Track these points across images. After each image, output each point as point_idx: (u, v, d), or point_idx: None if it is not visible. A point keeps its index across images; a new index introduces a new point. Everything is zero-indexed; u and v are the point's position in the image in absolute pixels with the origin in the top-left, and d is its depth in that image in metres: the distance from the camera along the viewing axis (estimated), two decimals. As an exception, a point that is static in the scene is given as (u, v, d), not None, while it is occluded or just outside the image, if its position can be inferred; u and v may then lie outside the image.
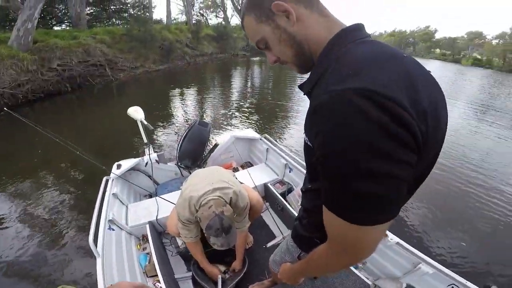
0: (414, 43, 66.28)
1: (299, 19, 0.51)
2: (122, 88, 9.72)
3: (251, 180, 2.20)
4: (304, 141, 0.54)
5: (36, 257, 2.36)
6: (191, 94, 8.60)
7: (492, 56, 42.80)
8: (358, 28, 0.51)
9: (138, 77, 11.11)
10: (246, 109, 6.69)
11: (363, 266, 1.72)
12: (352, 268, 1.58)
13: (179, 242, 1.83)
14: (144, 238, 1.94)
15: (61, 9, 14.75)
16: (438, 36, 63.39)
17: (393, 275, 1.58)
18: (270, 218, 2.13)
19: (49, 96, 7.89)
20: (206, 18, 29.13)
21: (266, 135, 2.79)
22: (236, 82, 10.96)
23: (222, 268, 1.69)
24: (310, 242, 0.69)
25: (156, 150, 2.80)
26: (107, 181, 2.12)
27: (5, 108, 2.47)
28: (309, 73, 0.57)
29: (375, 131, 0.36)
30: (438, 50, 62.70)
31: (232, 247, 1.38)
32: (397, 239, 1.51)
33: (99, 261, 1.40)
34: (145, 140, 2.49)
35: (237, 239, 1.50)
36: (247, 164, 2.93)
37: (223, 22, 27.70)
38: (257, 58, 19.89)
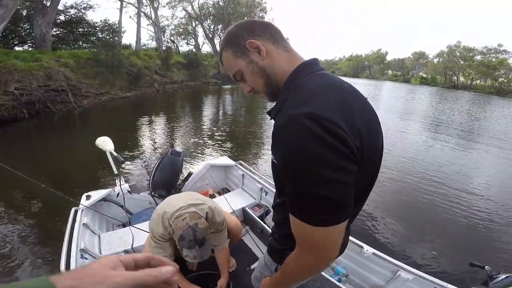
0: (369, 66, 74.01)
1: (268, 54, 0.63)
2: (86, 116, 9.52)
3: (228, 205, 2.27)
4: (271, 159, 0.61)
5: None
6: (161, 123, 8.74)
7: (435, 74, 49.00)
8: (314, 63, 0.64)
9: (103, 104, 10.95)
10: (219, 137, 6.98)
11: (346, 279, 1.81)
12: (336, 282, 1.58)
13: None
14: None
15: (25, 28, 14.22)
16: (389, 58, 71.63)
17: (376, 285, 1.66)
18: (251, 241, 2.18)
19: (3, 123, 7.46)
20: (176, 45, 29.78)
21: (241, 161, 2.93)
22: (208, 110, 11.32)
23: None
24: (283, 253, 0.73)
25: (127, 180, 2.80)
26: (76, 211, 2.10)
27: None
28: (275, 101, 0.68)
29: (319, 145, 0.46)
30: (390, 72, 69.95)
31: (213, 270, 1.48)
32: (372, 250, 1.62)
33: None
34: (115, 171, 2.54)
35: (219, 257, 1.60)
36: (224, 190, 3.00)
37: (194, 50, 28.63)
38: (229, 86, 20.54)
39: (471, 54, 42.99)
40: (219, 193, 2.92)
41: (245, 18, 27.75)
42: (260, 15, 29.25)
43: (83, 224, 2.01)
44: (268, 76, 0.65)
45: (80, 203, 2.17)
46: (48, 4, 12.75)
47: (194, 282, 1.63)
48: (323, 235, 0.53)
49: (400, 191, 4.36)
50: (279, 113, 0.59)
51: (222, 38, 0.71)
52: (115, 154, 2.45)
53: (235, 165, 2.92)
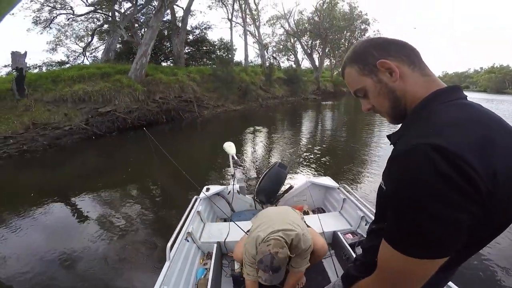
0: None
1: (401, 76, 0.60)
2: (206, 124, 11.22)
3: (319, 226, 2.30)
4: (380, 184, 0.60)
5: (118, 246, 3.04)
6: (264, 135, 9.46)
7: None
8: (453, 90, 0.59)
9: (218, 115, 12.72)
10: (318, 153, 7.03)
11: None
12: None
13: (236, 266, 2.05)
14: (209, 255, 2.15)
15: (167, 47, 17.99)
16: None
17: None
18: (330, 265, 2.14)
19: (149, 124, 9.59)
20: (278, 61, 31.67)
21: (345, 185, 2.88)
22: (308, 125, 11.61)
23: None
24: (356, 280, 0.71)
25: (239, 182, 3.16)
26: (195, 199, 2.52)
27: (144, 128, 3.10)
28: (399, 125, 0.65)
29: (442, 181, 0.44)
30: None
31: (279, 285, 1.53)
32: None
33: (166, 264, 1.65)
34: (232, 172, 2.97)
35: (291, 277, 1.70)
36: (319, 210, 3.03)
37: (294, 65, 29.70)
38: (329, 102, 20.47)
39: None
40: (314, 212, 2.97)
41: (344, 32, 27.20)
42: (362, 27, 27.99)
43: (197, 211, 2.41)
44: (396, 99, 0.62)
45: (202, 192, 2.64)
46: (180, 25, 15.71)
47: None
48: (412, 266, 0.51)
49: None
50: (400, 139, 0.58)
51: (347, 52, 0.69)
52: (236, 158, 2.89)
53: (338, 188, 2.90)
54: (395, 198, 0.51)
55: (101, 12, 14.49)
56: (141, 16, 16.35)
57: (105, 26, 15.38)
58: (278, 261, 1.38)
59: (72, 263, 2.72)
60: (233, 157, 2.92)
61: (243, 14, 21.14)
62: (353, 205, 2.58)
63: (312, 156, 6.71)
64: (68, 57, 16.59)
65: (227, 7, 20.71)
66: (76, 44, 16.73)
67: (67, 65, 15.23)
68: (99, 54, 16.49)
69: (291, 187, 3.11)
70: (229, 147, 2.98)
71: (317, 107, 18.58)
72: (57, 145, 7.46)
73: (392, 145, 0.62)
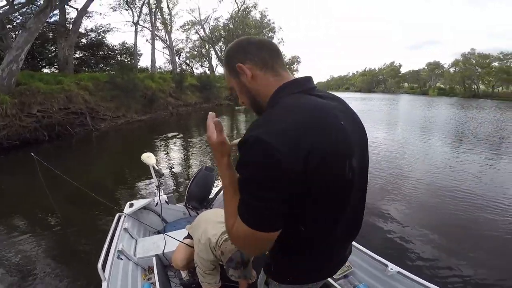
0: (384, 80, 74.96)
1: (253, 78, 0.71)
2: (103, 138, 10.19)
3: None
4: None
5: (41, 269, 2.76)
6: (176, 143, 9.28)
7: (453, 84, 48.50)
8: (294, 84, 0.70)
9: (119, 127, 11.71)
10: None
11: None
12: None
13: (183, 274, 2.10)
14: (150, 269, 2.16)
15: (52, 50, 15.58)
16: (403, 70, 72.74)
17: None
18: None
19: (25, 144, 8.13)
20: (191, 68, 31.40)
21: None
22: (225, 129, 11.78)
23: None
24: (269, 265, 0.85)
25: (166, 192, 3.15)
26: (119, 217, 2.44)
27: (32, 153, 2.14)
28: None
29: (257, 166, 0.55)
30: (406, 84, 70.33)
31: (234, 282, 1.65)
32: (398, 268, 1.64)
33: (104, 284, 1.61)
34: (156, 183, 2.96)
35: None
36: None
37: (208, 72, 30.07)
38: (242, 107, 21.13)
39: (487, 61, 42.93)
40: None
41: None
42: (269, 35, 30.89)
43: (124, 228, 2.34)
44: (252, 97, 0.74)
45: (124, 210, 2.55)
46: (71, 27, 14.08)
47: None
48: (248, 233, 0.60)
49: (430, 205, 4.33)
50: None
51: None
52: (157, 167, 2.89)
53: None
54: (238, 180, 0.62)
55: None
56: (18, 16, 13.79)
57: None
58: (246, 255, 1.49)
59: None
60: (154, 168, 2.87)
61: (153, 18, 20.33)
62: None
63: (234, 156, 7.04)
64: None
65: (134, 10, 19.59)
66: None
67: None
68: None
69: (221, 189, 3.11)
70: (148, 158, 2.89)
71: (231, 112, 19.22)
72: None
73: None
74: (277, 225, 0.61)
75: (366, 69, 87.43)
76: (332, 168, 0.60)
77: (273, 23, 31.29)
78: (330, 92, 0.79)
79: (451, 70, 51.11)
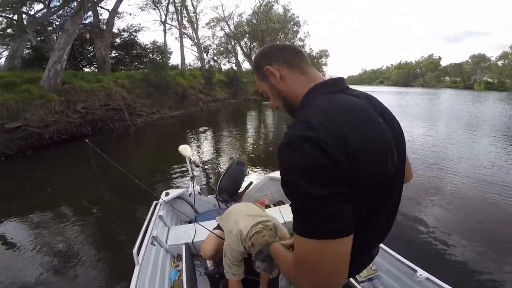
0: (422, 74, 71.26)
1: (282, 78, 0.72)
2: (140, 133, 10.73)
3: (281, 216, 2.42)
4: None
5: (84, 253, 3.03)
6: (217, 136, 9.60)
7: (502, 78, 44.91)
8: (328, 84, 0.69)
9: (154, 122, 12.26)
10: (269, 147, 7.55)
11: None
12: None
13: (208, 264, 2.18)
14: (179, 257, 2.24)
15: (90, 51, 16.62)
16: (443, 63, 68.51)
17: None
18: None
19: (72, 138, 8.79)
20: (219, 64, 31.86)
21: None
22: (254, 124, 12.29)
23: None
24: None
25: (199, 183, 3.25)
26: (156, 204, 2.58)
27: (86, 140, 2.63)
28: None
29: (309, 164, 0.51)
30: (448, 78, 66.51)
31: (257, 277, 1.69)
32: (427, 275, 1.56)
33: (136, 269, 1.69)
34: (191, 175, 3.07)
35: None
36: (279, 203, 3.19)
37: (235, 67, 30.32)
38: (269, 102, 21.24)
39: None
40: (274, 205, 3.15)
41: (279, 33, 29.19)
42: (294, 29, 30.33)
43: (159, 216, 2.46)
44: (284, 98, 0.74)
45: (161, 197, 2.68)
46: (105, 27, 14.86)
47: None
48: (320, 249, 0.53)
49: (473, 209, 3.99)
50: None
51: None
52: (193, 159, 3.01)
53: None
54: (284, 185, 0.57)
55: (3, 15, 12.73)
56: (57, 19, 14.87)
57: (9, 30, 13.55)
58: None
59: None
60: (190, 159, 3.00)
61: (179, 17, 20.86)
62: None
63: (264, 151, 7.19)
64: (-41, 64, 14.14)
65: (161, 9, 20.22)
66: (-29, 49, 14.38)
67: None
68: (2, 61, 14.44)
69: (251, 183, 3.30)
70: (185, 150, 3.04)
71: (258, 106, 19.31)
72: None
73: None
74: (348, 226, 0.53)
75: (402, 62, 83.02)
76: (376, 165, 0.58)
77: (297, 17, 30.65)
78: (362, 88, 0.79)
79: (499, 63, 47.40)
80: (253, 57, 0.84)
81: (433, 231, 3.35)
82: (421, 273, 1.59)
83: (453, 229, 3.43)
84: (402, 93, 38.43)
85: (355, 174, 0.53)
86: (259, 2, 27.87)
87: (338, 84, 0.70)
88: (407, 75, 74.62)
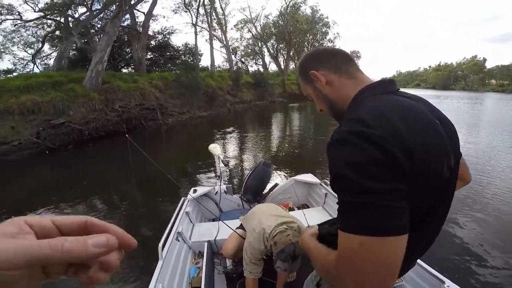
0: (464, 76, 66.27)
1: (329, 83, 0.72)
2: (171, 132, 11.21)
3: (305, 220, 2.41)
4: None
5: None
6: (244, 137, 9.79)
7: None
8: (376, 86, 0.68)
9: (184, 122, 12.76)
10: (295, 150, 7.58)
11: None
12: None
13: (228, 263, 2.18)
14: (200, 254, 2.28)
15: (128, 52, 17.66)
16: (489, 65, 63.50)
17: None
18: None
19: (109, 135, 9.42)
20: (246, 65, 32.23)
21: (326, 180, 3.02)
22: (280, 126, 12.29)
23: None
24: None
25: (225, 182, 3.39)
26: (183, 201, 2.66)
27: (127, 135, 2.87)
28: None
29: (367, 159, 0.50)
30: (493, 81, 61.76)
31: (274, 279, 1.68)
32: (455, 286, 1.50)
33: (160, 263, 1.74)
34: (218, 173, 3.15)
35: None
36: (304, 206, 3.21)
37: (262, 69, 30.48)
38: (295, 104, 21.36)
39: None
40: (299, 208, 3.15)
41: (307, 34, 28.67)
42: (323, 30, 29.65)
43: (186, 212, 2.53)
44: (330, 102, 0.74)
45: (189, 194, 2.77)
46: (141, 30, 15.65)
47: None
48: (370, 246, 0.49)
49: (510, 221, 3.74)
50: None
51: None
52: (222, 158, 3.06)
53: (319, 184, 3.08)
54: (335, 181, 0.56)
55: (52, 18, 13.96)
56: (98, 22, 15.98)
57: (57, 32, 14.82)
58: (299, 249, 1.50)
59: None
60: (219, 158, 3.10)
61: (209, 19, 21.44)
62: (335, 199, 2.64)
63: (290, 153, 7.25)
64: (15, 65, 15.70)
65: (192, 12, 20.92)
66: (25, 51, 15.89)
67: (15, 74, 14.42)
68: (51, 62, 15.81)
69: (276, 185, 3.35)
70: (214, 148, 3.15)
71: (285, 109, 19.35)
72: (4, 162, 7.11)
73: None
74: (405, 223, 0.50)
75: (441, 64, 78.03)
76: (432, 166, 0.56)
77: (327, 17, 29.91)
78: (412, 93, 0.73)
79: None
80: (299, 60, 0.82)
81: (467, 242, 3.18)
82: (449, 284, 1.50)
83: (490, 242, 3.21)
84: (440, 96, 36.34)
85: (411, 173, 0.51)
86: (286, 3, 27.81)
87: (389, 86, 0.69)
88: (447, 78, 69.87)
